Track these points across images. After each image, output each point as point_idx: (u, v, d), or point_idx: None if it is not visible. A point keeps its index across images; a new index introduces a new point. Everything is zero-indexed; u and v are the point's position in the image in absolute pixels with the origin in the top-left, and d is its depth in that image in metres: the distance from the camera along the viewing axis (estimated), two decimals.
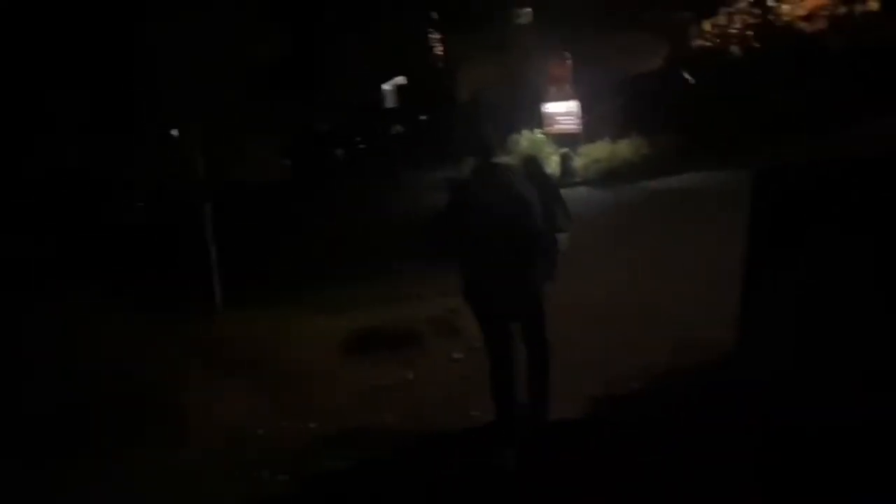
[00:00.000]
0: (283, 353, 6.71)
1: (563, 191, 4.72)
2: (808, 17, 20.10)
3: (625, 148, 14.08)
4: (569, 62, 23.13)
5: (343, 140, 28.78)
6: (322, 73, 28.16)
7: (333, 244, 12.10)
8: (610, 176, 13.65)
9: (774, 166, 4.52)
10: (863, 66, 15.28)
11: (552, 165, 13.56)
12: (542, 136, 15.96)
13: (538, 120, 17.30)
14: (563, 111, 16.04)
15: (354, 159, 27.42)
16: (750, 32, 21.77)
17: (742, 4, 22.55)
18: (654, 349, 5.47)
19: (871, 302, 3.72)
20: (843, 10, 19.93)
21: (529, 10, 23.51)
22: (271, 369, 6.27)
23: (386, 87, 40.18)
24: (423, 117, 28.98)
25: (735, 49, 20.80)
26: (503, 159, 9.18)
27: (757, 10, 21.71)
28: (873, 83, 14.03)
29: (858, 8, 19.75)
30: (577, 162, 14.60)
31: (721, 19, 22.94)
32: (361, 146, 29.43)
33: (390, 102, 38.46)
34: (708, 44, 23.37)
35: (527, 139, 16.50)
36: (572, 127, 15.60)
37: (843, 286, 3.81)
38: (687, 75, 16.78)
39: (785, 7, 20.91)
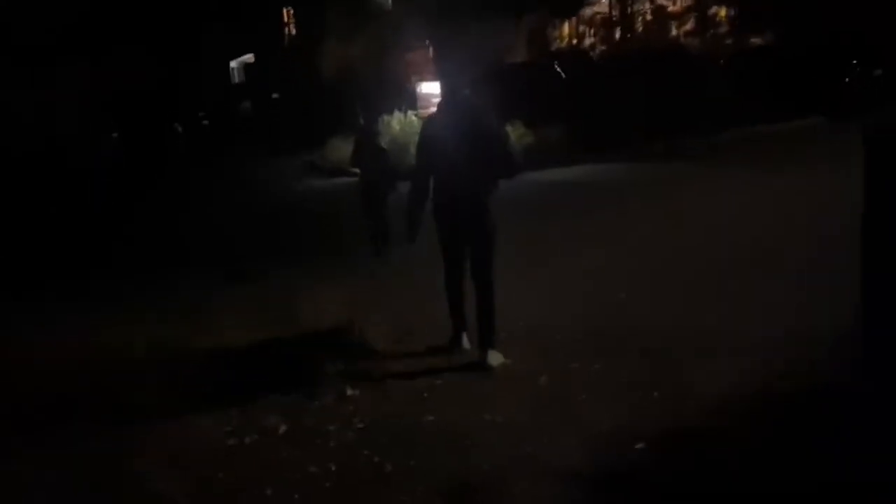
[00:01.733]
0: None
1: None
2: (663, 22, 20.99)
3: None
4: (430, 49, 22.88)
5: (184, 115, 26.43)
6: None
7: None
8: None
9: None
10: (719, 71, 15.98)
11: None
12: (415, 118, 15.10)
13: (411, 101, 16.50)
14: (438, 92, 15.01)
15: (196, 136, 25.28)
16: (607, 34, 22.49)
17: (596, 9, 23.29)
18: None
19: None
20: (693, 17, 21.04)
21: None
22: None
23: (233, 63, 37.88)
24: (274, 95, 27.19)
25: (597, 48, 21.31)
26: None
27: (615, 13, 22.43)
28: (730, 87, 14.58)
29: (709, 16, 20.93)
30: None
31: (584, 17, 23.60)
32: (204, 122, 27.23)
33: (238, 79, 36.32)
34: (573, 41, 23.96)
35: (398, 121, 15.62)
36: None
37: None
38: (559, 69, 16.65)
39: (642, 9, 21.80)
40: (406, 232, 4.68)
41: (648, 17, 20.97)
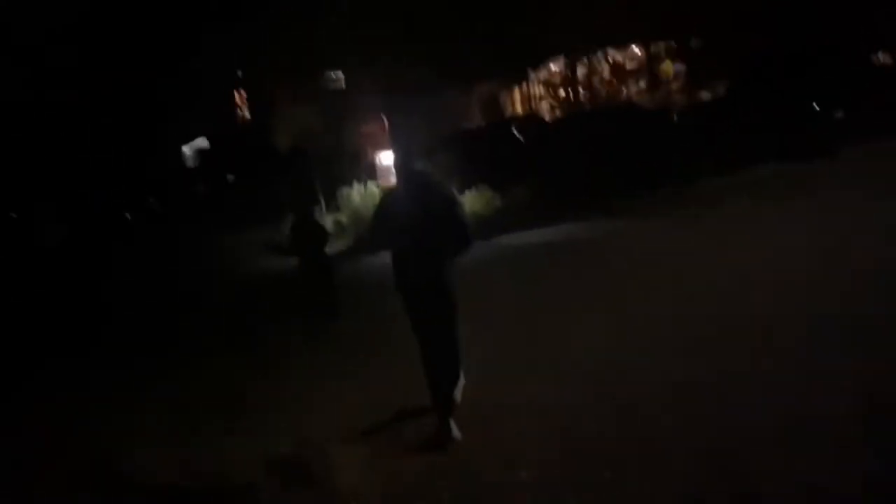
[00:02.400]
0: None
1: None
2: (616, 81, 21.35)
3: (473, 200, 13.03)
4: (384, 121, 22.90)
5: (133, 203, 25.77)
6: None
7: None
8: None
9: None
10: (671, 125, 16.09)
11: None
12: (375, 188, 14.75)
13: (369, 172, 16.22)
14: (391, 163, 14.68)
15: (145, 222, 24.65)
16: (560, 97, 22.79)
17: (547, 73, 23.68)
18: None
19: None
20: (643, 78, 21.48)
21: (340, 74, 23.39)
22: None
23: (185, 149, 37.81)
24: (229, 176, 26.74)
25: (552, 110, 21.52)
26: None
27: (564, 78, 22.80)
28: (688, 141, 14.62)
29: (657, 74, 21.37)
30: None
31: (536, 82, 23.94)
32: (153, 209, 26.56)
33: (192, 164, 36.30)
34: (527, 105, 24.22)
35: (358, 192, 15.26)
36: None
37: None
38: (516, 133, 16.62)
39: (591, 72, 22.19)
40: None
41: (602, 76, 21.28)
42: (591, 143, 14.56)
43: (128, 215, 24.43)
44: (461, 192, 13.61)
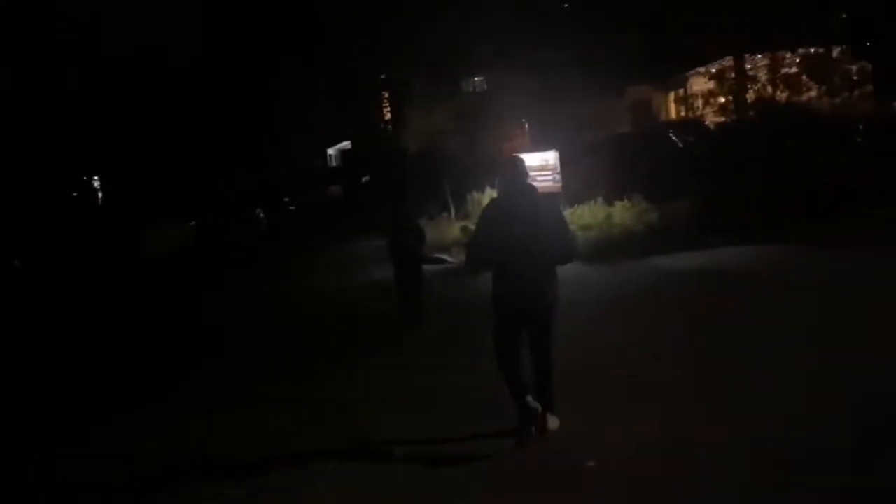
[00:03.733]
0: None
1: None
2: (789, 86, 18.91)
3: (624, 212, 11.31)
4: (526, 127, 21.70)
5: (266, 200, 25.86)
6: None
7: None
8: (607, 248, 10.56)
9: None
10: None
11: None
12: None
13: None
14: (538, 164, 12.11)
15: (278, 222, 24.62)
16: (723, 102, 20.52)
17: (708, 76, 21.48)
18: None
19: None
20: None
21: (481, 78, 22.60)
22: None
23: (331, 150, 39.09)
24: (364, 178, 26.50)
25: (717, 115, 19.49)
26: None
27: (728, 82, 20.51)
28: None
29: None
30: None
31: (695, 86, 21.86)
32: (291, 208, 26.70)
33: (334, 164, 37.43)
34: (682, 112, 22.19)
35: (490, 198, 13.98)
36: (551, 184, 11.88)
37: None
38: (675, 137, 14.80)
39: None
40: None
41: (773, 81, 18.86)
42: (764, 155, 12.62)
43: (260, 213, 24.44)
44: (609, 202, 12.03)
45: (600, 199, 11.78)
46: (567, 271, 9.79)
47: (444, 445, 4.59)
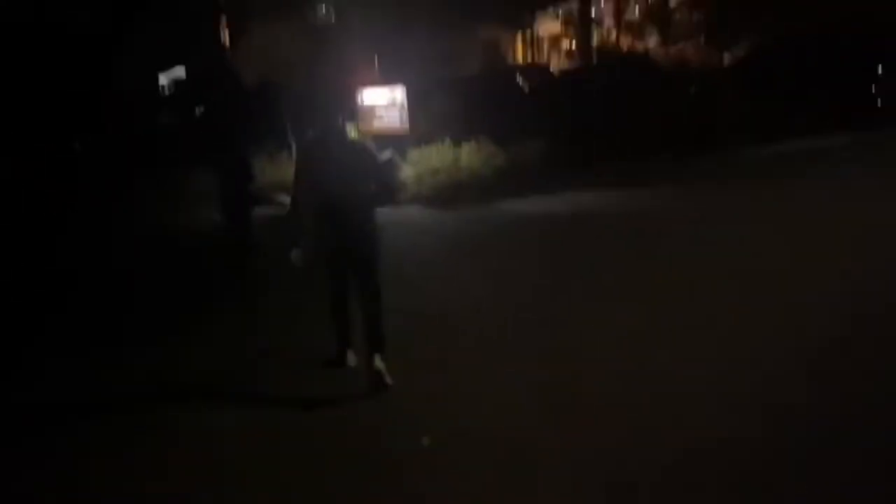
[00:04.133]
0: None
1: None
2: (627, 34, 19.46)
3: (471, 155, 11.03)
4: (375, 62, 20.99)
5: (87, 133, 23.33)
6: None
7: None
8: (454, 193, 10.25)
9: None
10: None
11: None
12: (356, 135, 12.62)
13: (352, 115, 14.21)
14: (384, 103, 11.79)
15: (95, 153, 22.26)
16: (567, 48, 20.84)
17: (553, 20, 21.72)
18: None
19: None
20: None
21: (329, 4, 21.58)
22: None
23: (162, 77, 35.80)
24: (199, 108, 24.52)
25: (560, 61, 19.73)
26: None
27: (571, 27, 20.82)
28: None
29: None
30: (408, 171, 10.98)
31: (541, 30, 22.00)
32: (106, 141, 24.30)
33: (167, 93, 34.43)
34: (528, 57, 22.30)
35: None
36: (397, 124, 11.52)
37: None
38: (521, 82, 14.75)
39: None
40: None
41: (612, 28, 19.33)
42: (606, 101, 12.94)
43: (77, 146, 21.94)
44: (457, 143, 11.74)
45: (448, 141, 11.45)
46: (412, 216, 9.58)
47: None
